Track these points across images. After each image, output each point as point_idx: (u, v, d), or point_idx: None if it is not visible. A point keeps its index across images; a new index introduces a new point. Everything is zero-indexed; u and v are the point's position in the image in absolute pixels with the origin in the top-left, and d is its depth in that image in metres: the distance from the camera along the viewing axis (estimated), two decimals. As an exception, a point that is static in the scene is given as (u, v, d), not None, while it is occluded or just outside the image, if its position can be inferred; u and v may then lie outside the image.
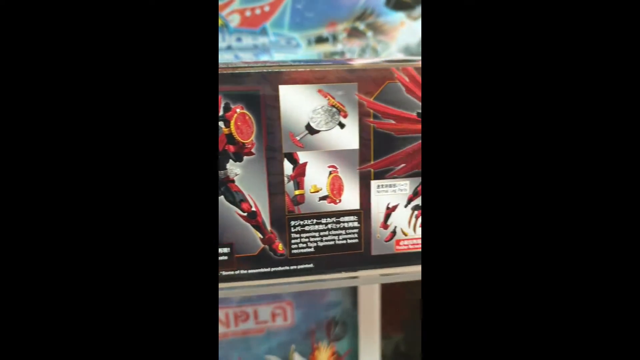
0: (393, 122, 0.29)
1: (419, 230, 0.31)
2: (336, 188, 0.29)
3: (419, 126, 0.30)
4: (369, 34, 0.63)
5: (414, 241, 0.32)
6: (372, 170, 0.30)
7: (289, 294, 0.69)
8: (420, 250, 0.32)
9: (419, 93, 0.29)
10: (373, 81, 0.28)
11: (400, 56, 0.64)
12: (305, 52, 0.62)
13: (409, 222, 0.31)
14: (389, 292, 0.71)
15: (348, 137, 0.29)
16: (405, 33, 0.63)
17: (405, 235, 0.31)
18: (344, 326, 0.72)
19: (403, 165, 0.30)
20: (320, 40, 0.62)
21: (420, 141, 0.30)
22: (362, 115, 0.29)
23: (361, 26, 0.63)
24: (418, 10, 0.64)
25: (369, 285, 0.69)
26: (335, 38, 0.62)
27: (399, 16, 0.64)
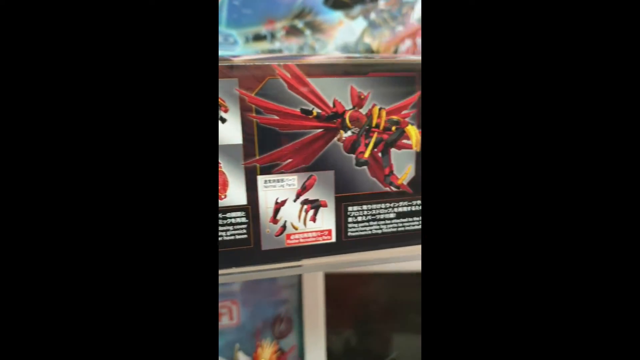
0: (276, 117, 0.29)
1: (309, 224, 0.32)
2: (220, 184, 0.30)
3: (304, 122, 0.30)
4: (307, 32, 0.64)
5: (305, 235, 0.32)
6: (257, 165, 0.30)
7: (234, 292, 0.69)
8: (312, 243, 0.32)
9: (302, 89, 0.29)
10: (254, 77, 0.29)
11: (337, 54, 0.64)
12: (242, 49, 0.62)
13: (299, 216, 0.32)
14: (335, 286, 0.71)
15: (230, 132, 0.29)
16: (343, 32, 0.64)
17: (296, 229, 0.32)
18: (289, 323, 0.72)
19: (289, 160, 0.30)
20: (258, 37, 0.62)
21: (306, 136, 0.30)
22: (244, 110, 0.29)
23: (299, 24, 0.63)
24: (356, 10, 0.65)
25: (313, 280, 0.70)
26: (273, 36, 0.63)
27: (337, 15, 0.64)
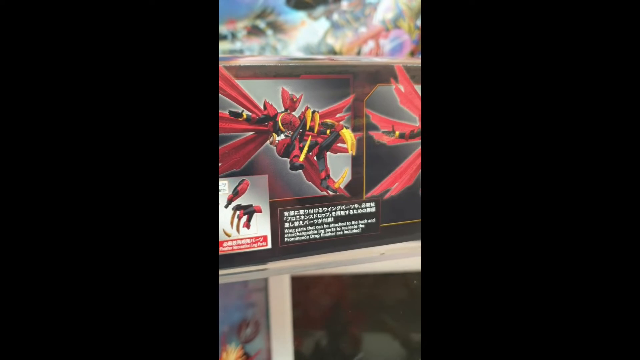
0: (204, 121, 0.29)
1: (243, 230, 0.31)
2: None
3: (233, 125, 0.29)
4: (269, 32, 0.63)
5: (238, 242, 0.31)
6: (186, 169, 0.29)
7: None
8: (247, 250, 0.32)
9: (232, 93, 0.29)
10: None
11: (300, 54, 0.63)
12: (202, 50, 0.61)
13: (231, 223, 0.31)
14: (302, 288, 0.71)
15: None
16: (305, 32, 0.63)
17: (228, 236, 0.31)
18: (256, 327, 0.71)
19: (220, 164, 0.30)
20: (219, 37, 0.61)
21: (236, 140, 0.30)
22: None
23: (261, 24, 0.63)
24: (319, 10, 0.64)
25: (279, 283, 0.69)
26: (234, 36, 0.62)
27: (300, 15, 0.64)
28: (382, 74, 0.31)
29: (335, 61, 0.31)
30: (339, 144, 0.32)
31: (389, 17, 0.64)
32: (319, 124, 0.31)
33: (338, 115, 0.31)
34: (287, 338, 0.71)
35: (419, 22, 0.64)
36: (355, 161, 0.33)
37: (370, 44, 0.64)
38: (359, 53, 0.64)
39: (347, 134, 0.32)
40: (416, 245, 0.36)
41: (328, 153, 0.32)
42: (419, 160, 0.34)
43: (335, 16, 0.64)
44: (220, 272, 0.32)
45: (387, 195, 0.34)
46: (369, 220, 0.34)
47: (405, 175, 0.34)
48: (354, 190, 0.33)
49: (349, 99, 0.31)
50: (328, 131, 0.31)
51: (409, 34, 0.64)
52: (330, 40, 0.64)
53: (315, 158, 0.32)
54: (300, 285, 0.69)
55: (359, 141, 0.32)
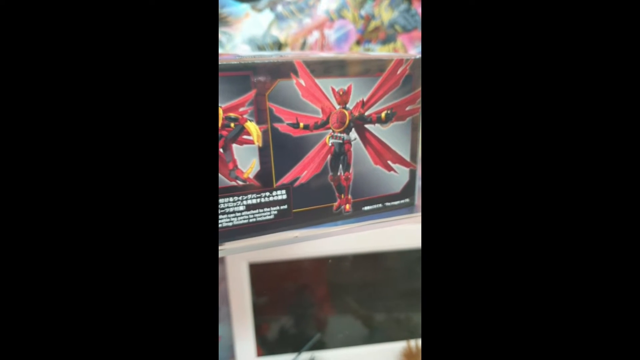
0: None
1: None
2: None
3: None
4: (214, 26, 0.64)
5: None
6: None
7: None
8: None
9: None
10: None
11: (245, 47, 0.64)
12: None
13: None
14: (262, 275, 0.72)
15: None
16: (250, 25, 0.64)
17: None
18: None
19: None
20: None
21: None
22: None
23: (206, 18, 0.64)
24: (263, 2, 0.65)
25: (237, 268, 0.70)
26: (180, 31, 0.63)
27: (244, 8, 0.65)
28: (282, 70, 0.33)
29: (237, 59, 0.33)
30: (245, 136, 0.34)
31: (332, 8, 0.65)
32: (222, 117, 0.33)
33: (241, 109, 0.33)
34: (249, 324, 0.73)
35: (363, 12, 0.65)
36: (263, 152, 0.35)
37: (315, 34, 0.65)
38: (304, 44, 0.65)
39: (252, 127, 0.34)
40: (331, 230, 0.38)
41: (234, 145, 0.34)
42: (325, 150, 0.36)
43: (280, 8, 0.65)
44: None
45: (297, 183, 0.36)
46: (281, 207, 0.36)
47: (313, 163, 0.36)
48: (264, 179, 0.35)
49: (251, 93, 0.33)
50: (232, 124, 0.33)
51: (354, 23, 0.65)
52: (275, 32, 0.65)
53: (221, 150, 0.33)
54: (260, 271, 0.71)
55: (265, 133, 0.34)
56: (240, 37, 0.65)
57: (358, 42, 0.66)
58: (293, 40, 0.66)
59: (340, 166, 0.37)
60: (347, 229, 0.38)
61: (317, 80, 0.35)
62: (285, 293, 0.76)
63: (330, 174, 0.37)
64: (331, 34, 0.66)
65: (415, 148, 0.40)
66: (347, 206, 0.39)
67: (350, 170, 0.38)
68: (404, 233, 0.68)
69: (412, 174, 0.40)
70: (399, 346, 0.73)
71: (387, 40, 0.65)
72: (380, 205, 0.40)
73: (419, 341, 0.73)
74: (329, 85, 0.35)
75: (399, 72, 0.37)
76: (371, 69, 0.36)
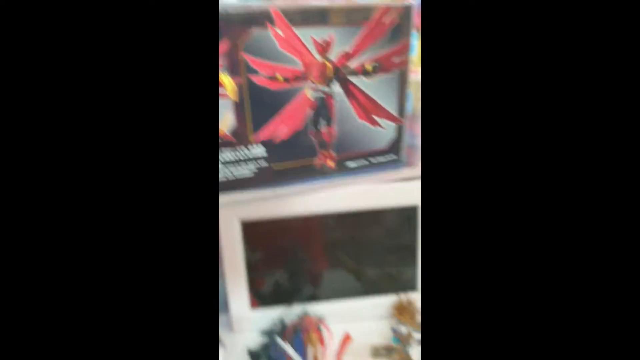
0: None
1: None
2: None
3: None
4: None
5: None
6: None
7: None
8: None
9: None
10: None
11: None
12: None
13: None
14: (255, 232, 0.73)
15: None
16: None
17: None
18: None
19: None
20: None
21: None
22: None
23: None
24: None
25: (229, 225, 0.70)
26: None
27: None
28: (257, 18, 0.31)
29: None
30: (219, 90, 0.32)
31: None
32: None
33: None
34: (242, 281, 0.74)
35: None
36: (238, 106, 0.33)
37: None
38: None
39: (226, 79, 0.32)
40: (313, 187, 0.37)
41: (209, 99, 0.32)
42: (306, 104, 0.35)
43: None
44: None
45: (277, 139, 0.35)
46: (261, 164, 0.36)
47: (293, 118, 0.35)
48: (240, 135, 0.34)
49: (223, 44, 0.31)
50: (205, 77, 0.32)
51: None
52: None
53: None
54: (252, 229, 0.71)
55: (240, 87, 0.33)
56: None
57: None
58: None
59: (323, 121, 0.36)
60: (334, 185, 0.37)
61: (295, 30, 0.33)
62: (278, 250, 0.77)
63: (312, 129, 0.36)
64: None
65: (403, 102, 0.38)
66: (331, 162, 0.37)
67: (333, 126, 0.36)
68: (398, 190, 0.67)
69: (400, 129, 0.39)
70: (390, 300, 0.74)
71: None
72: (365, 161, 0.39)
73: (411, 295, 0.74)
74: (308, 35, 0.33)
75: (385, 21, 0.35)
76: (355, 17, 0.34)
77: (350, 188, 0.40)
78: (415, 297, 0.64)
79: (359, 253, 0.77)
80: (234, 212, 0.63)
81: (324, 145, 0.37)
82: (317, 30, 0.33)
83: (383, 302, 0.78)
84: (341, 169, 0.38)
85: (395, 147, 0.39)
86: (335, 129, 0.37)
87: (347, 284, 0.80)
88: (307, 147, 0.36)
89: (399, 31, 0.36)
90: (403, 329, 0.70)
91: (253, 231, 0.72)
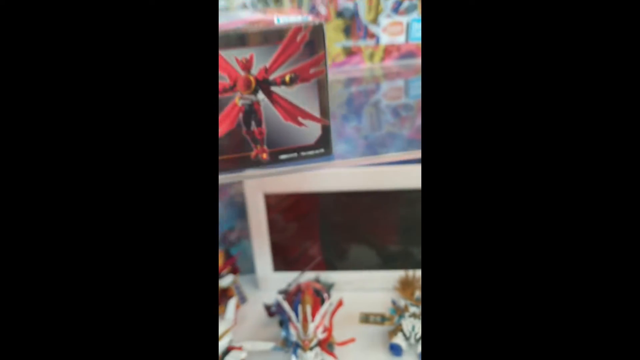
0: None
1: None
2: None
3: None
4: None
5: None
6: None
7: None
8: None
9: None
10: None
11: None
12: None
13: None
14: (276, 203, 0.82)
15: None
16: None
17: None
18: (239, 233, 0.87)
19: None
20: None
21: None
22: None
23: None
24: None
25: (255, 195, 0.81)
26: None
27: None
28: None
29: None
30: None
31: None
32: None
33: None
34: (265, 242, 0.85)
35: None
36: (181, 113, 0.43)
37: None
38: None
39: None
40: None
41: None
42: (236, 109, 0.44)
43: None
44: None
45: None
46: (204, 156, 0.46)
47: (226, 122, 0.44)
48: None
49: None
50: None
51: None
52: None
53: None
54: (273, 201, 0.81)
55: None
56: None
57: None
58: None
59: (253, 122, 0.45)
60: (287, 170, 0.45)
61: (221, 52, 0.42)
62: (302, 221, 0.86)
63: (244, 128, 0.45)
64: None
65: (326, 105, 0.45)
66: (264, 155, 0.46)
67: (263, 126, 0.45)
68: (407, 174, 0.74)
69: (325, 128, 0.46)
70: (399, 275, 0.80)
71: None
72: (295, 154, 0.47)
73: (417, 272, 0.79)
74: (232, 56, 0.42)
75: (298, 39, 0.42)
76: (271, 38, 0.42)
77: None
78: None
79: (369, 232, 0.85)
80: (259, 185, 0.76)
81: (256, 141, 0.46)
82: (238, 51, 0.42)
83: (393, 276, 0.87)
84: (275, 160, 0.47)
85: (322, 142, 0.47)
86: (264, 128, 0.45)
87: (363, 257, 0.88)
88: (242, 143, 0.46)
89: (312, 46, 0.43)
90: (402, 302, 0.76)
91: (275, 204, 0.82)
